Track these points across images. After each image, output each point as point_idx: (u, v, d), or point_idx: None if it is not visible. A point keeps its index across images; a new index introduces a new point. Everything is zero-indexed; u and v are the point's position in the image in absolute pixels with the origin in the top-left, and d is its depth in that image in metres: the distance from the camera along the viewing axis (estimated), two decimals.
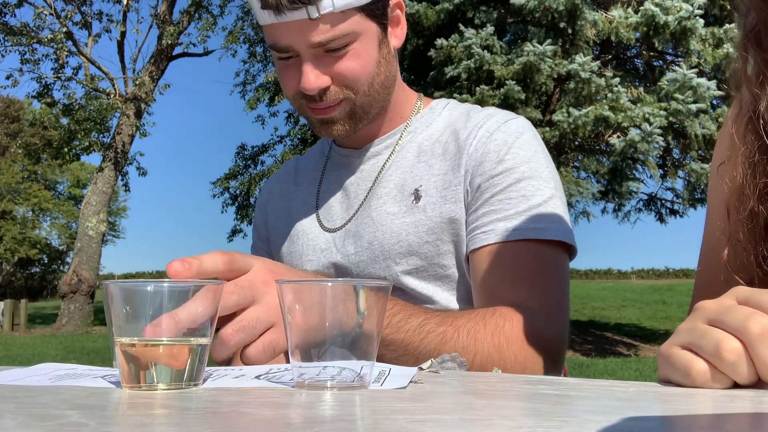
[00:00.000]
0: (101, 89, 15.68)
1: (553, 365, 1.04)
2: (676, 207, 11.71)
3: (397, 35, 1.18)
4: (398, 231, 1.14)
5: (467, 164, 1.14)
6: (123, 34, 15.56)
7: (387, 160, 1.22)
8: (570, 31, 9.29)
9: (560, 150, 9.71)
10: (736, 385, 0.59)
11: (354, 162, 1.26)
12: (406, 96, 1.26)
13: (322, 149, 1.37)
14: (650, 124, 8.70)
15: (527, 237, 1.07)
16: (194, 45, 17.52)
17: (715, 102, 9.65)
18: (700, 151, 9.65)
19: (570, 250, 1.13)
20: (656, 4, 8.99)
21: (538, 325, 1.02)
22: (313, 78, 1.08)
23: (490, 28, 9.37)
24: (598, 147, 10.16)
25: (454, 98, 1.34)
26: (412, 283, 1.14)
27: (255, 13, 1.09)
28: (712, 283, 0.84)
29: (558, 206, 1.11)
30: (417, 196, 1.15)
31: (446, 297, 1.15)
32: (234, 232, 15.71)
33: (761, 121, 0.78)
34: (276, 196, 1.37)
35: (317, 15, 1.03)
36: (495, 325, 0.99)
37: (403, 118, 1.25)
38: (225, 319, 0.79)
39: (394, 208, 1.16)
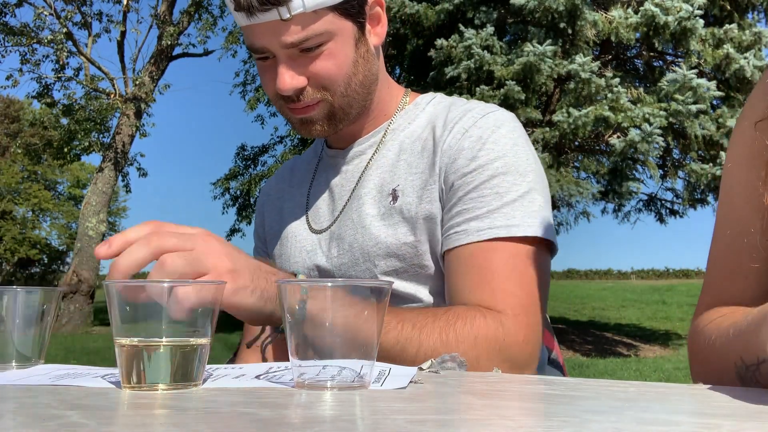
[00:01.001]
0: (101, 89, 15.66)
1: (514, 367, 1.00)
2: (676, 207, 11.70)
3: (378, 33, 1.16)
4: (377, 233, 1.13)
5: (441, 162, 1.12)
6: (123, 34, 15.54)
7: (370, 160, 1.21)
8: (570, 31, 9.28)
9: (560, 150, 9.71)
10: None
11: (339, 162, 1.25)
12: (391, 93, 1.24)
13: (315, 150, 1.36)
14: (650, 124, 8.69)
15: (498, 236, 1.05)
16: (194, 45, 17.51)
17: (715, 102, 9.64)
18: (700, 152, 9.65)
19: (551, 245, 1.09)
20: (656, 5, 8.98)
21: (497, 326, 0.99)
22: (288, 79, 1.08)
23: (490, 29, 9.35)
24: (598, 147, 10.15)
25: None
26: (395, 284, 1.13)
27: (232, 14, 1.09)
28: (737, 252, 0.84)
29: (536, 200, 1.08)
30: (394, 197, 1.14)
31: (429, 296, 1.13)
32: (233, 231, 15.69)
33: None
34: (273, 198, 1.37)
35: (288, 16, 1.02)
36: (446, 320, 0.97)
37: (387, 116, 1.23)
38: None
39: (373, 210, 1.15)
